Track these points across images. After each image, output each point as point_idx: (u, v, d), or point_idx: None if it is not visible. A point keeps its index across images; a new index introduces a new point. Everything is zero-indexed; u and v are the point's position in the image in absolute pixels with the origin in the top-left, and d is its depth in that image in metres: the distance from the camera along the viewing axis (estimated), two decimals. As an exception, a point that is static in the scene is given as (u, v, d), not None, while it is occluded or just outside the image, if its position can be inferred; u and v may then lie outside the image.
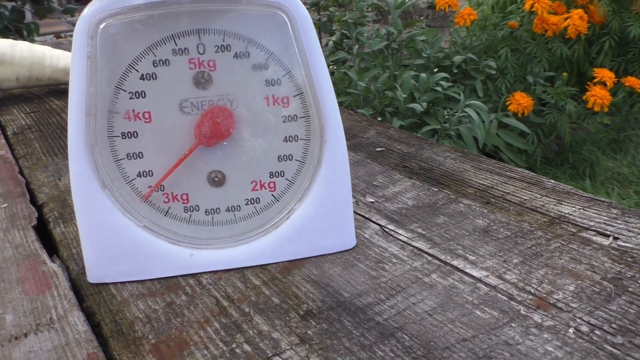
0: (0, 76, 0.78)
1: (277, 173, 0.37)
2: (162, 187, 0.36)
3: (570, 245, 0.38)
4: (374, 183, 0.49)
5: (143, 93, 0.35)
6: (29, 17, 2.49)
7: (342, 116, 0.37)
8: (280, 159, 0.37)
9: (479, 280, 0.35)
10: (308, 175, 0.38)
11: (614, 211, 0.41)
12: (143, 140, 0.35)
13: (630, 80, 1.82)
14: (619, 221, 0.40)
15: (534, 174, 0.48)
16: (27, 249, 0.40)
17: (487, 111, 1.67)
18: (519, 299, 0.33)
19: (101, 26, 0.33)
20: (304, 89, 0.36)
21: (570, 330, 0.30)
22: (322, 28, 2.40)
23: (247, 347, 0.30)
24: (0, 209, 0.47)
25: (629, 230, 0.39)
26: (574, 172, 1.95)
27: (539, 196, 0.45)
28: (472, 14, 1.90)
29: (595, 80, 1.78)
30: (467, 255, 0.38)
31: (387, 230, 0.41)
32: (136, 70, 0.34)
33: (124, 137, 0.35)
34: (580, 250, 0.37)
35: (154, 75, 0.34)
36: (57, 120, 0.72)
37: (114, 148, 0.35)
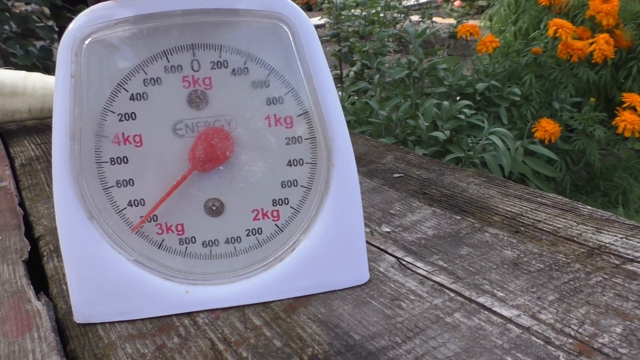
0: (12, 108, 0.78)
1: (280, 200, 0.34)
2: (154, 217, 0.33)
3: (614, 280, 0.33)
4: (391, 211, 0.45)
5: (133, 115, 0.32)
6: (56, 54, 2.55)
7: (357, 142, 0.34)
8: (283, 185, 0.34)
9: (510, 320, 0.30)
10: (315, 202, 0.34)
11: (662, 240, 0.37)
12: (133, 165, 0.32)
13: (662, 105, 1.75)
14: (668, 251, 0.35)
15: (567, 199, 0.44)
16: (13, 286, 0.37)
17: (512, 138, 1.62)
18: (557, 343, 0.28)
19: (86, 42, 0.30)
20: (308, 108, 0.33)
21: (622, 381, 0.25)
22: (342, 59, 2.39)
23: (241, 400, 0.26)
24: (-7, 243, 0.44)
25: (682, 262, 0.34)
26: (605, 199, 1.87)
27: (575, 224, 0.40)
28: (494, 41, 1.87)
29: (625, 105, 1.72)
30: (495, 291, 0.33)
31: (404, 263, 0.37)
32: (125, 89, 0.31)
33: (112, 162, 0.32)
34: (626, 285, 0.32)
35: (144, 95, 0.32)
36: (66, 151, 0.70)
37: (102, 175, 0.32)
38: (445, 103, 1.71)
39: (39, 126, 0.85)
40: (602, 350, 0.27)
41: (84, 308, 0.33)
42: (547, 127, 1.71)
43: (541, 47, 1.89)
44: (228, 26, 0.31)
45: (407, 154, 0.59)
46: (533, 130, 1.72)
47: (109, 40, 0.31)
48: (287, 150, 0.33)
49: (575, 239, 0.38)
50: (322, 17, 2.65)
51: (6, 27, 2.35)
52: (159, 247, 0.34)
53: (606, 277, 0.34)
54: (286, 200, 0.34)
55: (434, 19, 3.91)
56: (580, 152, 1.83)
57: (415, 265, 0.37)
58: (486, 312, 0.31)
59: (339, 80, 2.39)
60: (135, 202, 0.33)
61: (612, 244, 0.37)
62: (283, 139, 0.33)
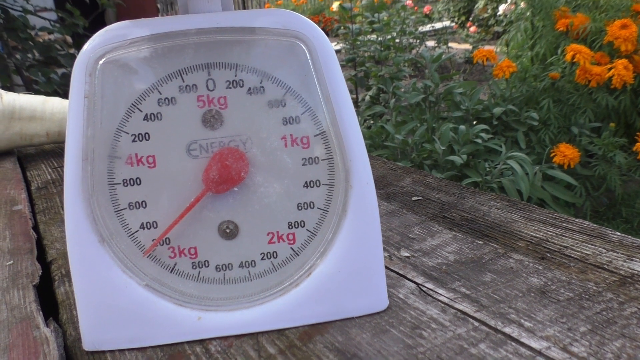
0: (30, 132, 0.78)
1: (296, 223, 0.33)
2: (167, 240, 0.32)
3: (650, 309, 0.31)
4: (410, 235, 0.44)
5: (147, 135, 0.31)
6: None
7: (375, 164, 0.33)
8: (300, 207, 0.33)
9: (539, 353, 0.29)
10: (332, 225, 0.33)
11: (699, 267, 0.35)
12: (147, 187, 0.32)
13: (684, 129, 1.72)
14: None
15: (595, 225, 0.42)
16: (22, 311, 0.37)
17: (530, 163, 1.60)
18: (592, 377, 0.26)
19: (100, 62, 0.30)
20: (326, 128, 0.32)
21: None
22: (358, 83, 2.40)
23: None
24: (4, 267, 0.44)
25: None
26: (627, 226, 1.82)
27: (604, 251, 0.38)
28: (511, 66, 1.86)
29: (646, 129, 1.69)
30: (522, 320, 0.31)
31: (424, 289, 0.36)
32: (139, 109, 0.31)
33: (125, 184, 0.32)
34: (664, 315, 0.31)
35: (159, 115, 0.31)
36: (82, 175, 0.70)
37: (114, 197, 0.32)
38: (462, 127, 1.69)
39: (56, 150, 0.85)
40: (642, 386, 0.25)
41: (94, 335, 0.32)
42: (566, 152, 1.68)
43: (559, 72, 1.88)
44: (244, 45, 0.31)
45: (426, 177, 0.57)
46: (552, 155, 1.69)
47: (123, 60, 0.30)
48: (304, 171, 0.32)
49: (605, 266, 0.36)
50: (338, 43, 2.67)
51: (29, 55, 2.40)
52: (171, 271, 0.33)
53: (641, 306, 0.32)
54: (302, 223, 0.33)
55: (450, 44, 3.92)
56: (601, 177, 1.80)
57: (436, 292, 0.35)
58: (513, 344, 0.29)
59: (354, 104, 2.39)
60: (148, 224, 0.32)
61: (646, 271, 0.35)
62: (299, 160, 0.32)
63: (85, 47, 0.30)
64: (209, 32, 0.30)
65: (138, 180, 0.32)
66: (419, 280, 0.37)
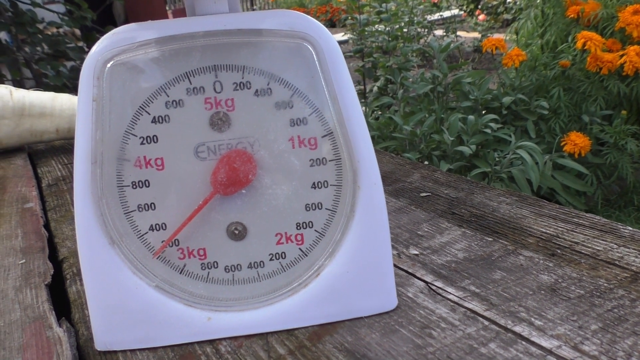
0: (40, 128, 0.79)
1: (304, 224, 0.33)
2: (176, 241, 0.33)
3: (662, 308, 0.31)
4: (419, 232, 0.44)
5: (155, 138, 0.31)
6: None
7: (382, 159, 0.33)
8: (308, 208, 0.33)
9: (550, 351, 0.28)
10: (340, 226, 0.33)
11: None
12: (155, 189, 0.32)
13: (698, 116, 1.70)
14: None
15: (606, 220, 0.42)
16: (35, 311, 0.37)
17: (540, 152, 1.58)
18: (602, 378, 0.26)
19: (108, 65, 0.30)
20: (333, 129, 0.32)
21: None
22: (366, 74, 2.39)
23: None
24: (17, 266, 0.44)
25: None
26: (639, 214, 1.81)
27: (616, 246, 0.38)
28: (520, 55, 1.84)
29: (659, 117, 1.67)
30: (533, 319, 0.31)
31: (434, 288, 0.36)
32: (147, 112, 0.31)
33: (134, 186, 0.32)
34: (675, 314, 0.30)
35: (166, 117, 0.31)
36: (91, 171, 0.70)
37: (123, 199, 0.32)
38: (471, 117, 1.68)
39: (66, 146, 0.86)
40: (653, 387, 0.25)
41: (105, 335, 0.33)
42: (577, 141, 1.67)
43: (569, 60, 1.85)
44: (251, 47, 0.31)
45: (434, 172, 0.57)
46: (562, 144, 1.68)
47: (131, 63, 0.30)
48: (312, 172, 0.32)
49: (617, 262, 0.36)
50: (345, 33, 2.66)
51: (38, 48, 2.41)
52: (180, 273, 0.33)
53: (652, 304, 0.31)
54: (310, 224, 0.33)
55: (458, 33, 3.89)
56: (612, 165, 1.78)
57: (445, 290, 0.35)
58: (524, 343, 0.29)
59: (362, 95, 2.38)
60: (157, 226, 0.32)
61: (657, 269, 0.35)
62: (307, 161, 0.32)
63: (93, 50, 0.30)
64: (216, 34, 0.30)
65: (147, 182, 0.32)
66: (428, 278, 0.37)
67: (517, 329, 0.31)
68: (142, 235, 0.32)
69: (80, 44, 2.60)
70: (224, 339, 0.33)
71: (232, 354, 0.31)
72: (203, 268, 0.33)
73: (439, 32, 3.56)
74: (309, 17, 0.31)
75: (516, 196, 0.48)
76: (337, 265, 0.33)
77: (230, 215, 0.32)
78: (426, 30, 2.99)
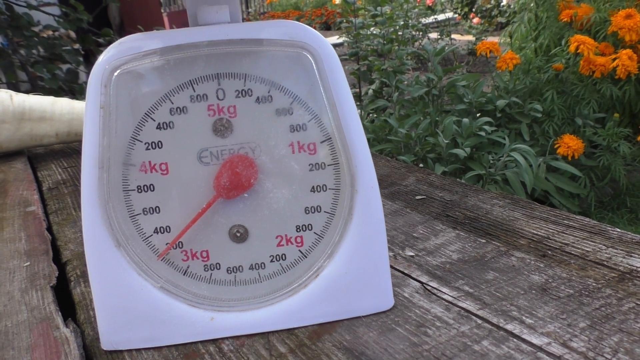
0: (40, 132, 0.80)
1: (304, 227, 0.34)
2: (180, 243, 0.34)
3: (647, 306, 0.32)
4: (414, 234, 0.45)
5: (160, 143, 0.32)
6: (82, 77, 2.62)
7: (378, 163, 0.34)
8: (307, 211, 0.34)
9: (540, 348, 0.30)
10: (338, 228, 0.34)
11: (696, 264, 0.36)
12: (160, 193, 0.33)
13: (689, 119, 1.72)
14: (703, 276, 0.34)
15: (595, 222, 0.43)
16: (42, 312, 0.38)
17: (534, 155, 1.60)
18: (589, 373, 0.28)
19: (115, 74, 0.31)
20: (332, 135, 0.33)
21: (659, 415, 0.24)
22: (361, 77, 2.40)
23: None
24: (22, 268, 0.45)
25: None
26: (632, 216, 1.83)
27: (604, 247, 0.39)
28: (514, 58, 1.86)
29: (650, 120, 1.69)
30: (524, 317, 0.33)
31: (429, 288, 0.37)
32: (152, 119, 0.32)
33: (139, 190, 0.33)
34: (660, 312, 0.32)
35: (171, 124, 0.32)
36: (91, 175, 0.71)
37: (129, 203, 0.33)
38: (465, 120, 1.70)
39: (65, 150, 0.87)
40: (637, 381, 0.27)
41: (111, 335, 0.34)
42: (570, 144, 1.69)
43: (563, 63, 1.87)
44: (252, 56, 0.32)
45: (429, 175, 0.58)
46: (555, 146, 1.70)
47: (137, 72, 0.31)
48: (311, 176, 0.33)
49: (605, 263, 0.37)
50: (340, 36, 2.67)
51: (34, 51, 2.41)
52: (184, 274, 0.34)
53: (639, 303, 0.33)
54: (310, 226, 0.34)
55: (453, 36, 3.91)
56: (605, 168, 1.80)
57: (440, 290, 0.36)
58: (515, 340, 0.31)
59: (358, 98, 2.40)
60: (161, 229, 0.33)
61: (644, 269, 0.36)
62: (306, 165, 0.33)
63: (100, 58, 0.31)
64: (219, 44, 0.31)
65: (152, 186, 0.33)
66: (424, 279, 0.38)
67: (509, 327, 0.32)
68: (147, 237, 0.33)
69: (76, 46, 2.61)
70: (227, 338, 0.34)
71: (234, 353, 0.32)
72: (206, 269, 0.34)
73: (433, 35, 3.58)
74: (308, 27, 0.32)
75: (509, 199, 0.50)
76: (335, 267, 0.34)
77: (232, 218, 0.33)
78: (421, 33, 3.01)
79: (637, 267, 0.36)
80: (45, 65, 2.36)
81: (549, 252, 0.40)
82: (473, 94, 1.85)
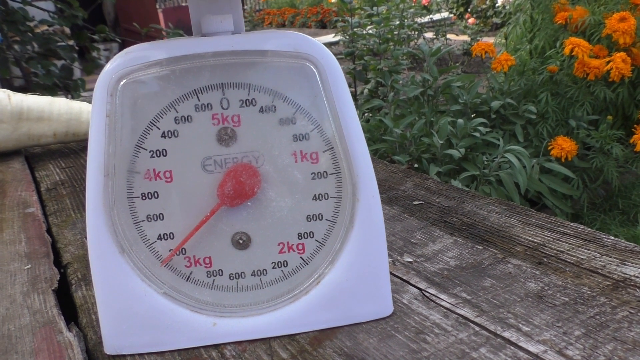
0: (38, 132, 0.80)
1: (305, 234, 0.34)
2: (183, 250, 0.34)
3: (640, 315, 0.33)
4: (412, 240, 0.46)
5: (164, 151, 0.33)
6: (77, 73, 2.61)
7: (376, 167, 0.35)
8: (309, 219, 0.34)
9: (536, 356, 0.30)
10: (339, 236, 0.35)
11: (688, 273, 0.37)
12: (164, 200, 0.33)
13: (681, 122, 1.74)
14: (694, 285, 0.35)
15: (590, 229, 0.44)
16: (44, 316, 0.38)
17: (528, 156, 1.61)
18: (585, 381, 0.28)
19: (121, 83, 0.31)
20: (334, 144, 0.34)
21: (651, 423, 0.25)
22: (357, 77, 2.41)
23: None
24: (23, 271, 0.45)
25: None
26: (623, 218, 1.85)
27: (598, 255, 0.40)
28: (509, 60, 1.87)
29: (643, 122, 1.71)
30: (521, 325, 0.33)
31: (427, 294, 0.38)
32: (157, 127, 0.32)
33: (144, 197, 0.33)
34: (653, 320, 0.32)
35: (175, 132, 0.33)
36: (90, 175, 0.71)
37: (133, 209, 0.33)
38: (460, 121, 1.71)
39: (62, 149, 0.87)
40: (631, 390, 0.27)
41: (115, 340, 0.34)
42: (564, 145, 1.70)
43: (557, 65, 1.89)
44: (257, 66, 0.32)
45: (426, 180, 0.59)
46: (549, 148, 1.71)
47: (142, 81, 0.32)
48: (313, 185, 0.34)
49: (599, 271, 0.38)
50: (336, 34, 2.68)
51: (28, 47, 2.40)
52: (187, 280, 0.35)
53: (632, 311, 0.34)
54: (311, 234, 0.35)
55: (448, 36, 3.92)
56: (598, 170, 1.82)
57: (438, 297, 0.37)
58: (512, 348, 0.31)
59: (353, 98, 2.40)
60: (165, 235, 0.34)
61: (638, 277, 0.37)
62: (309, 174, 0.34)
63: (107, 67, 0.32)
64: (224, 54, 0.32)
65: (156, 194, 0.33)
66: (422, 285, 0.39)
67: (506, 334, 0.33)
68: (151, 244, 0.34)
69: (71, 42, 2.59)
70: (229, 343, 0.34)
71: (236, 358, 0.33)
72: (209, 276, 0.35)
73: (429, 35, 3.59)
74: (312, 39, 0.33)
75: (505, 205, 0.51)
76: (336, 274, 0.35)
77: (235, 225, 0.34)
78: (416, 32, 3.02)
79: (630, 275, 0.37)
80: (40, 61, 2.35)
81: (545, 260, 0.40)
82: (468, 95, 1.86)
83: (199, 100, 0.32)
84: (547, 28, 2.04)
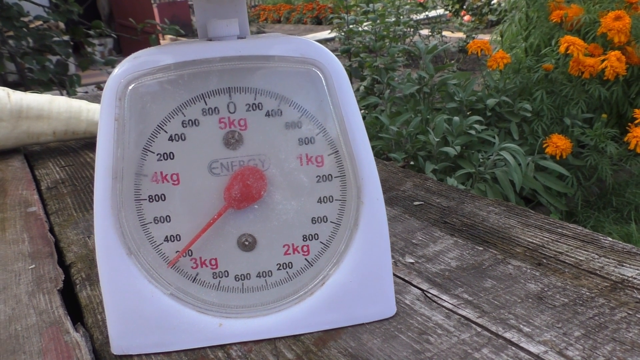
0: (37, 130, 0.80)
1: (310, 236, 0.35)
2: (190, 252, 0.35)
3: (639, 316, 0.34)
4: (413, 241, 0.46)
5: (171, 154, 0.33)
6: (72, 69, 2.60)
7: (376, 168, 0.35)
8: (314, 221, 0.35)
9: (537, 357, 0.31)
10: (344, 238, 0.35)
11: (684, 275, 0.37)
12: (171, 203, 0.34)
13: (674, 121, 1.75)
14: (690, 287, 0.36)
15: (588, 230, 0.45)
16: (51, 316, 0.39)
17: (523, 154, 1.63)
18: (585, 381, 0.29)
19: (130, 87, 0.32)
20: (339, 147, 0.34)
21: (650, 422, 0.26)
22: (353, 74, 2.41)
23: None
24: (27, 270, 0.46)
25: None
26: (617, 215, 1.87)
27: (597, 256, 0.41)
28: (505, 57, 1.88)
29: (637, 121, 1.72)
30: (521, 326, 0.34)
31: (429, 295, 0.38)
32: (165, 131, 0.33)
33: (151, 200, 0.34)
34: (650, 321, 0.33)
35: (182, 136, 0.33)
36: (90, 174, 0.72)
37: (140, 212, 0.34)
38: (456, 118, 1.72)
39: (61, 148, 0.87)
40: (630, 390, 0.28)
41: (122, 340, 0.34)
42: (559, 143, 1.71)
43: (552, 63, 1.90)
44: (263, 71, 0.33)
45: (426, 181, 0.60)
46: (544, 145, 1.72)
47: (150, 85, 0.32)
48: (318, 187, 0.34)
49: (597, 272, 0.39)
50: (331, 31, 2.68)
51: (23, 42, 2.39)
52: (193, 281, 0.35)
53: (630, 312, 0.34)
54: (316, 236, 0.35)
55: (444, 33, 3.93)
56: (592, 167, 1.83)
57: (440, 298, 0.38)
58: (513, 348, 0.32)
59: (349, 95, 2.40)
60: (172, 237, 0.34)
61: (635, 278, 0.38)
62: (314, 177, 0.34)
63: (115, 72, 0.32)
64: (232, 59, 0.32)
65: (163, 196, 0.34)
66: (424, 286, 0.39)
67: (507, 335, 0.33)
68: (158, 245, 0.34)
69: (66, 38, 2.58)
70: (235, 344, 0.35)
71: (242, 358, 0.33)
72: (214, 277, 0.35)
73: (424, 32, 3.60)
74: (318, 44, 0.33)
75: (504, 206, 0.51)
76: (341, 275, 0.35)
77: (241, 227, 0.34)
78: (412, 29, 3.03)
79: (628, 276, 0.38)
80: (35, 56, 2.34)
81: (544, 261, 0.41)
82: (464, 93, 1.87)
83: (206, 104, 0.33)
84: (542, 26, 2.05)
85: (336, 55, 0.33)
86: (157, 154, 0.33)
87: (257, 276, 0.35)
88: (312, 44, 0.33)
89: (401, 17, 2.56)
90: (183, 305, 0.35)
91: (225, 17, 0.34)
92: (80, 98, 1.16)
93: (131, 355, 0.35)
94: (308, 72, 0.33)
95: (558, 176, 1.77)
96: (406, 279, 0.40)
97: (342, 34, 2.47)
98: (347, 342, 0.34)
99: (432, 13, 4.16)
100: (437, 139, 1.67)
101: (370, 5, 2.42)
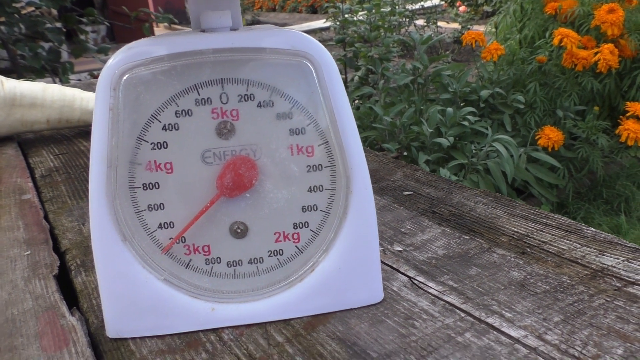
0: (31, 119, 0.80)
1: (301, 224, 0.36)
2: (183, 238, 0.35)
3: (616, 302, 0.35)
4: (402, 230, 0.47)
5: (165, 144, 0.34)
6: (64, 56, 2.59)
7: (367, 157, 0.36)
8: (304, 210, 0.36)
9: (517, 340, 0.32)
10: (333, 226, 0.36)
11: (661, 263, 0.39)
12: (164, 191, 0.35)
13: (665, 114, 1.77)
14: (667, 275, 0.37)
15: (572, 221, 0.46)
16: (47, 301, 0.40)
17: (515, 145, 1.64)
18: (562, 364, 0.30)
19: (124, 78, 0.33)
20: (328, 138, 0.35)
21: (621, 402, 0.27)
22: (347, 64, 2.41)
23: (268, 415, 0.28)
24: (23, 257, 0.47)
25: (680, 286, 0.36)
26: (607, 207, 1.89)
27: (579, 246, 0.42)
28: (499, 49, 1.89)
29: (628, 114, 1.74)
30: (503, 311, 0.35)
31: (416, 282, 0.39)
32: (158, 120, 0.34)
33: (145, 188, 0.34)
34: (628, 308, 0.34)
35: (176, 125, 0.34)
36: (84, 162, 0.72)
37: (134, 199, 0.35)
38: (450, 109, 1.73)
39: (55, 136, 0.87)
40: (604, 372, 0.29)
41: (117, 324, 0.35)
42: (551, 135, 1.73)
43: (546, 55, 1.91)
44: (256, 63, 0.33)
45: (416, 171, 0.61)
46: (536, 137, 1.74)
47: (144, 76, 0.33)
48: (308, 177, 0.35)
49: (579, 260, 0.40)
50: (326, 20, 2.68)
51: (15, 29, 2.37)
52: (186, 267, 0.36)
53: (608, 299, 0.36)
54: (306, 224, 0.36)
55: (439, 23, 3.93)
56: (583, 160, 1.85)
57: (426, 284, 0.39)
58: (495, 332, 0.33)
59: (344, 85, 2.41)
60: (165, 224, 0.35)
61: (615, 267, 0.39)
62: (304, 167, 0.35)
63: (110, 62, 0.33)
64: (224, 51, 0.33)
65: (157, 184, 0.35)
66: (411, 273, 0.40)
67: (490, 320, 0.34)
68: (152, 232, 0.35)
69: (59, 24, 2.56)
70: (227, 327, 0.36)
71: (234, 342, 0.35)
72: (207, 263, 0.36)
73: (419, 22, 3.59)
74: (309, 36, 0.34)
75: (491, 196, 0.52)
76: (330, 262, 0.36)
77: (233, 215, 0.35)
78: (407, 19, 3.03)
79: (608, 265, 0.39)
80: (27, 43, 2.32)
81: (528, 250, 0.42)
82: (458, 84, 1.87)
83: (199, 94, 0.34)
84: (536, 18, 2.06)
85: (331, 45, 0.34)
86: (151, 143, 0.34)
87: (248, 262, 0.36)
88: (303, 37, 0.34)
89: (396, 7, 2.56)
90: (176, 290, 0.36)
91: (218, 9, 0.35)
92: (73, 86, 1.16)
93: (126, 339, 0.36)
94: (299, 64, 0.34)
95: (550, 168, 1.79)
96: (394, 266, 0.42)
97: (337, 23, 2.47)
98: (335, 326, 0.35)
99: (428, 3, 4.16)
100: (431, 130, 1.68)
101: (366, -5, 2.41)
